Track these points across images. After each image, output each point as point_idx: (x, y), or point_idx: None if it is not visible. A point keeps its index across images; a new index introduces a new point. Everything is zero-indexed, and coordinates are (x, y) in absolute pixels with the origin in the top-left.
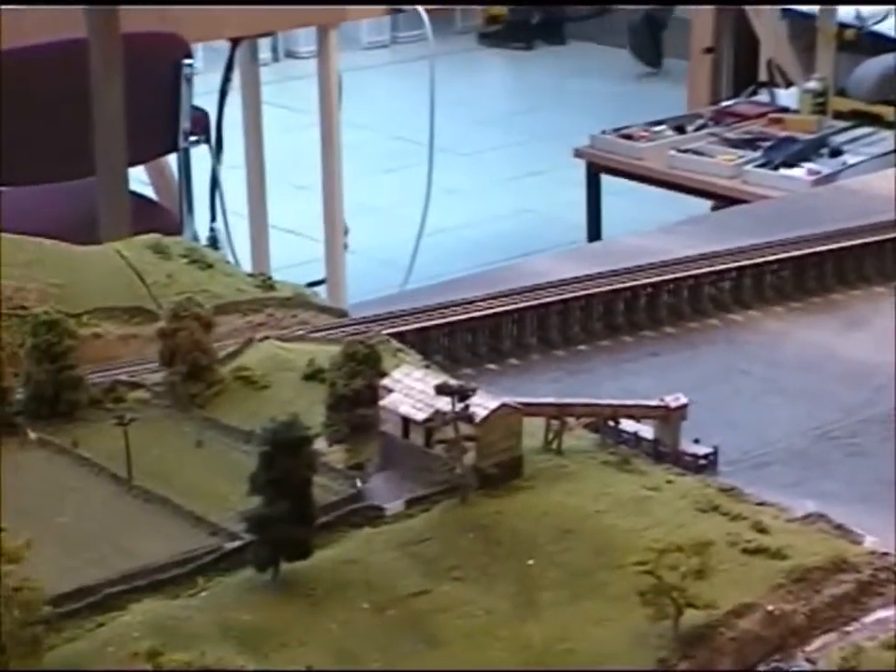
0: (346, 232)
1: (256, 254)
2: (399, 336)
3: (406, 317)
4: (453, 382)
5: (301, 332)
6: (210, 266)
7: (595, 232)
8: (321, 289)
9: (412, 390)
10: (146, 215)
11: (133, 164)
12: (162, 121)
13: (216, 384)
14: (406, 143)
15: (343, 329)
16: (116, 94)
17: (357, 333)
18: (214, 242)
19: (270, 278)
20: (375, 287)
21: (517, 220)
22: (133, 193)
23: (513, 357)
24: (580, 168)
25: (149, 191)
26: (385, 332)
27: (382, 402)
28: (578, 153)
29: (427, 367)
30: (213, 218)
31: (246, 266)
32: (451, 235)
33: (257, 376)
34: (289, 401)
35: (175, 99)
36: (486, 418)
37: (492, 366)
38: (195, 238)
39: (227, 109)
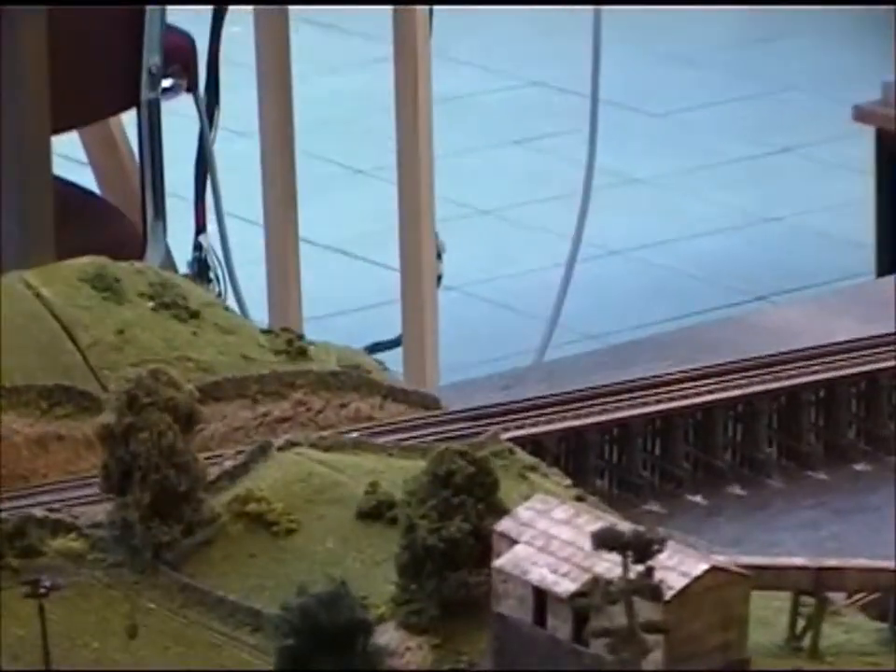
0: (440, 254)
1: (276, 291)
2: (531, 443)
3: (543, 410)
4: (625, 526)
5: (354, 435)
6: (194, 315)
7: (890, 257)
8: (393, 356)
9: (551, 541)
10: (82, 220)
11: (59, 131)
12: (113, 55)
13: (202, 525)
14: (549, 92)
15: (430, 430)
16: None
17: (454, 437)
18: (201, 269)
19: (301, 337)
20: (488, 352)
21: (747, 234)
22: (61, 182)
23: (734, 483)
24: (863, 141)
25: (89, 179)
26: (504, 437)
27: (497, 562)
28: (860, 113)
29: (580, 498)
30: (200, 227)
31: (260, 314)
32: (625, 260)
33: (275, 513)
34: (332, 558)
35: (136, 17)
36: (684, 592)
37: (696, 498)
38: (168, 262)
39: (226, 31)
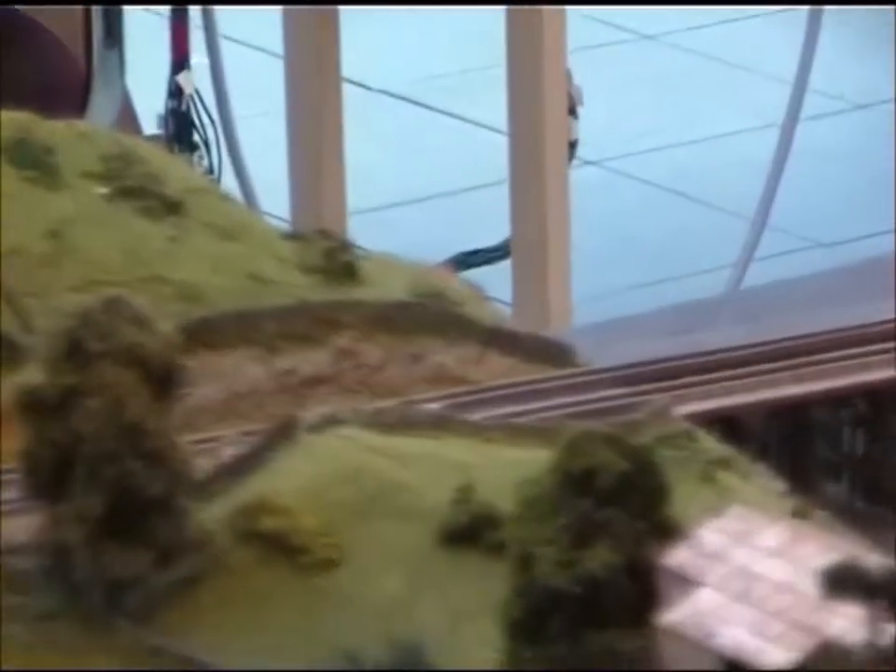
0: (574, 108)
1: (305, 166)
2: (723, 422)
3: (739, 369)
4: (872, 560)
5: (433, 407)
6: (173, 207)
7: None
8: (497, 275)
9: (753, 583)
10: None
11: None
12: None
13: (186, 552)
14: None
15: (557, 400)
16: None
17: (598, 412)
18: (181, 129)
19: (347, 244)
20: (651, 270)
21: None
22: None
23: None
24: None
25: None
26: (679, 411)
27: (668, 617)
28: None
29: (801, 514)
30: (179, 59)
31: (278, 204)
32: (880, 118)
33: (305, 533)
34: (397, 606)
35: None
36: None
37: None
38: (129, 118)
39: None
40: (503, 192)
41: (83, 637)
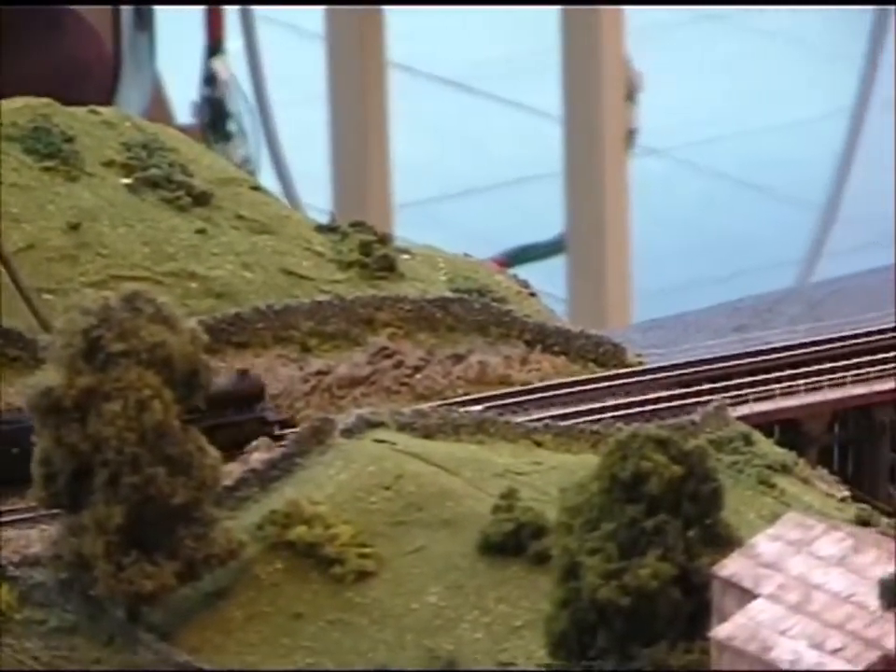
0: (632, 92)
1: (346, 156)
2: (784, 425)
3: (802, 369)
4: None
5: (476, 409)
6: (201, 199)
7: None
8: (548, 272)
9: (812, 593)
10: (16, 32)
11: None
12: None
13: (213, 563)
14: None
15: (608, 402)
16: None
17: (649, 413)
18: (215, 116)
19: (386, 237)
20: (714, 265)
21: None
22: None
23: None
24: None
25: None
26: (736, 413)
27: (721, 630)
28: None
29: (864, 522)
30: (214, 43)
31: (317, 195)
32: None
33: (339, 542)
34: (437, 621)
35: None
36: None
37: None
38: (158, 104)
39: None
40: (558, 184)
41: (103, 653)
